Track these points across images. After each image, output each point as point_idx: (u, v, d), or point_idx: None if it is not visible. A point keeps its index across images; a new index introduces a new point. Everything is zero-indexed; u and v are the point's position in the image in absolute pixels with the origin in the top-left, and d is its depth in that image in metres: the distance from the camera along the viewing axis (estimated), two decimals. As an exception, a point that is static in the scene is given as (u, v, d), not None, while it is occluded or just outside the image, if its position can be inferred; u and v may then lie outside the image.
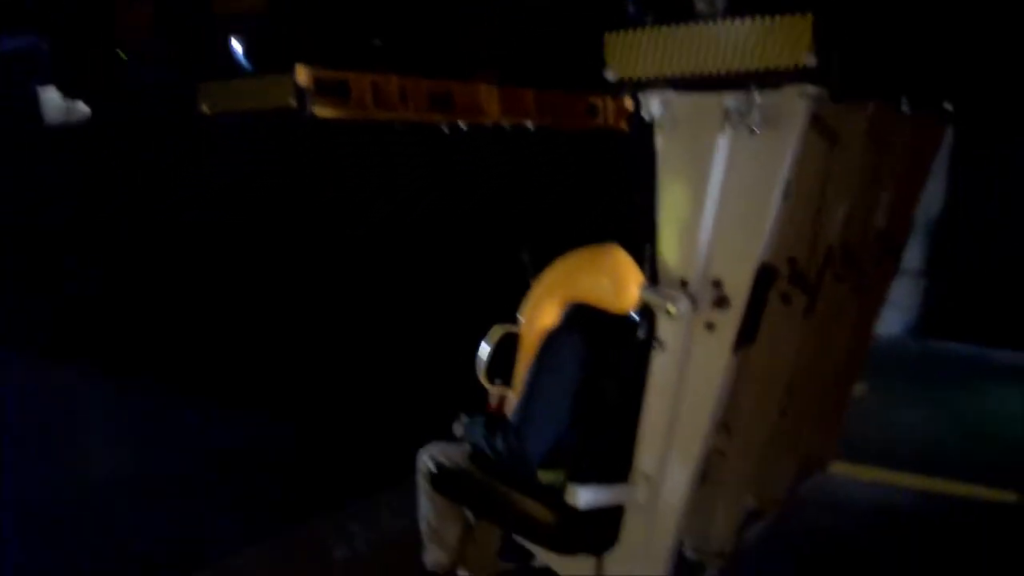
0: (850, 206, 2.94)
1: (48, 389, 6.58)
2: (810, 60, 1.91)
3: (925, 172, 3.51)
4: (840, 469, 4.39)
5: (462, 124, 3.52)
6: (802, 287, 2.82)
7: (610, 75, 2.22)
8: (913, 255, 7.99)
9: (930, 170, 3.54)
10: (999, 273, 7.54)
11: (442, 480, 2.87)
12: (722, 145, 2.14)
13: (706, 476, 3.00)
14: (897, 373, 6.83)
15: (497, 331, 2.82)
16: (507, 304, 2.82)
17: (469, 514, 3.11)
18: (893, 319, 8.08)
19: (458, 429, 2.91)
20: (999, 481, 4.40)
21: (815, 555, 3.72)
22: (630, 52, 2.19)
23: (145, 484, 4.69)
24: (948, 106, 3.05)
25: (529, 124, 3.72)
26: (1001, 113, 7.05)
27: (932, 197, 7.95)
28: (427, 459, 2.96)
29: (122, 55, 3.75)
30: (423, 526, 3.12)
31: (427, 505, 3.06)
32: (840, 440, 4.22)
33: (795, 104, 2.04)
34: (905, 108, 2.91)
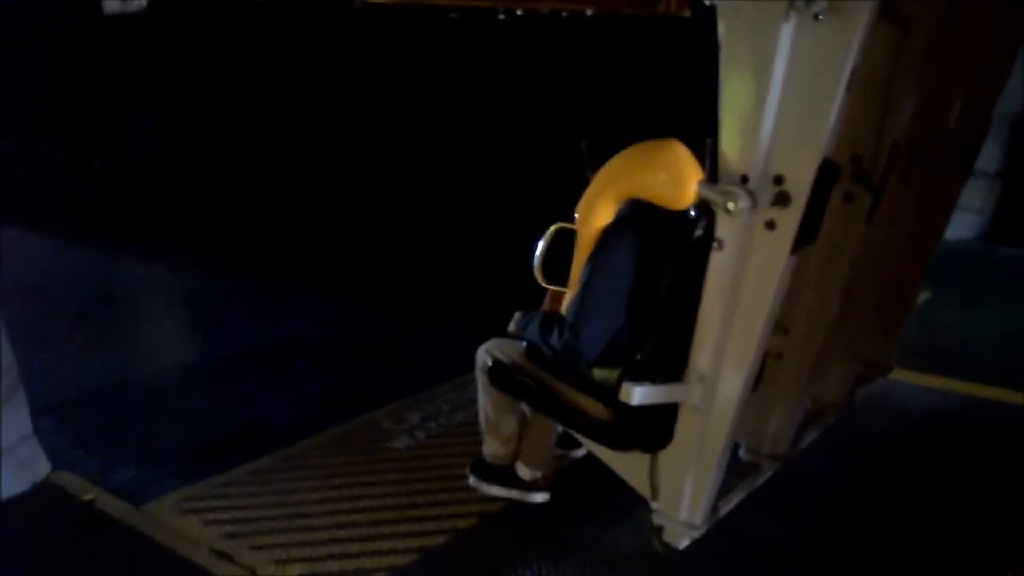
0: (921, 100, 2.81)
1: (115, 271, 6.79)
2: (881, -59, 1.79)
3: (1008, 65, 3.32)
4: (900, 375, 4.35)
5: (518, 10, 3.42)
6: (866, 186, 2.73)
7: (672, -41, 2.12)
8: (989, 155, 7.66)
9: (1012, 64, 3.35)
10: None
11: (498, 374, 2.90)
12: (785, 33, 2.04)
13: (763, 378, 2.99)
14: (965, 279, 6.65)
15: (553, 228, 2.80)
16: (568, 200, 2.79)
17: (526, 408, 3.16)
18: (965, 223, 7.82)
19: (512, 326, 2.92)
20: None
21: (867, 460, 3.70)
22: (693, -66, 2.09)
23: (210, 369, 4.86)
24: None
25: (587, 10, 3.60)
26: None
27: (1013, 92, 7.56)
28: (484, 354, 2.99)
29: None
30: (482, 419, 3.21)
31: (485, 399, 3.12)
32: (901, 346, 4.17)
33: (863, -12, 1.92)
34: (987, -4, 2.75)
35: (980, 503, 3.37)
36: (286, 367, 4.87)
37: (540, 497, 3.21)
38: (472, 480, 3.29)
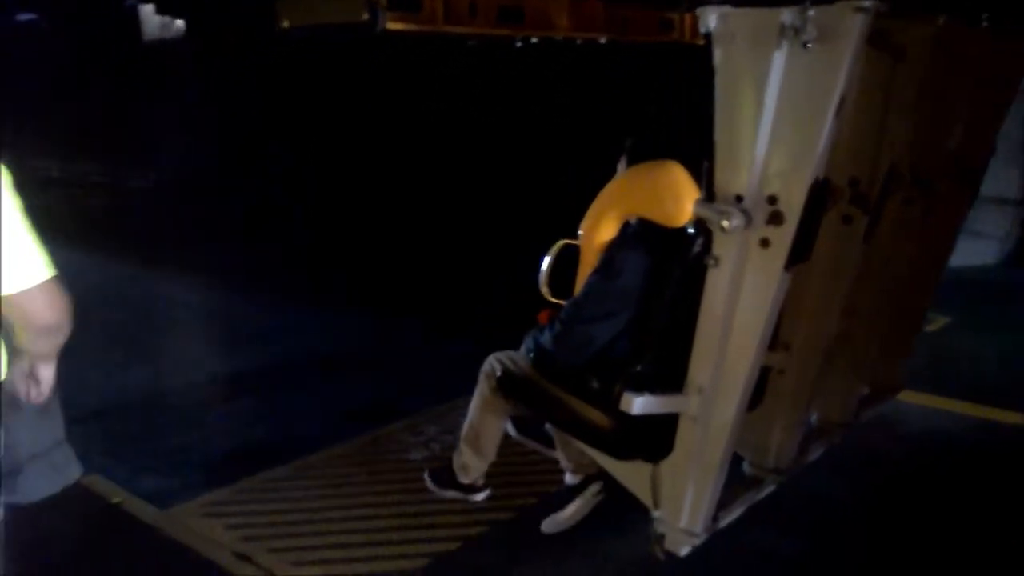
0: (919, 126, 2.90)
1: (148, 285, 6.98)
2: (864, -26, 1.91)
3: (1010, 92, 3.41)
4: (911, 397, 4.39)
5: (533, 38, 3.55)
6: (863, 208, 2.82)
7: (670, -10, 2.25)
8: (1009, 182, 7.67)
9: (1017, 90, 3.42)
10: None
11: (505, 382, 3.01)
12: (777, 60, 2.16)
13: (765, 392, 3.08)
14: (985, 304, 6.65)
15: (558, 244, 2.92)
16: (575, 218, 2.91)
17: (510, 428, 3.27)
18: (985, 249, 7.80)
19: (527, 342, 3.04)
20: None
21: (871, 479, 3.74)
22: (690, -33, 2.22)
23: (236, 381, 5.01)
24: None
25: (600, 38, 3.73)
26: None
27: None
28: (494, 361, 3.10)
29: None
30: (465, 427, 3.26)
31: (477, 405, 3.20)
32: (915, 369, 4.21)
33: (849, 19, 2.04)
34: (985, 22, 2.85)
35: (984, 525, 3.40)
36: (309, 380, 5.01)
37: (480, 496, 3.32)
38: (429, 483, 3.38)
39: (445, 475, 3.34)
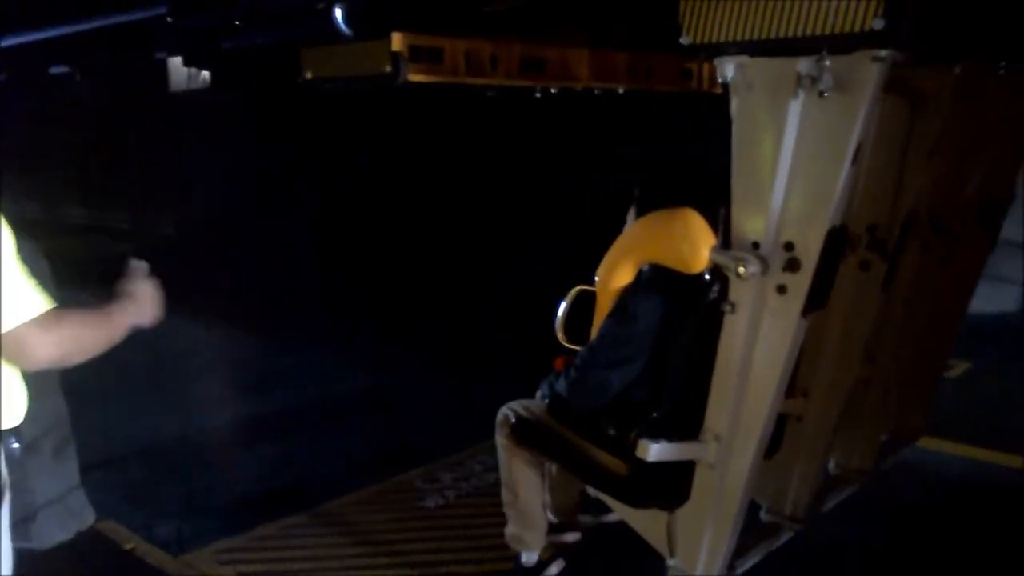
0: (938, 172, 2.90)
1: (164, 332, 6.99)
2: (878, 24, 1.92)
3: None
4: (932, 444, 4.34)
5: (552, 88, 3.60)
6: (881, 254, 2.81)
7: (685, 40, 2.27)
8: (1031, 228, 7.63)
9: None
10: None
11: (521, 429, 2.98)
12: (794, 109, 2.17)
13: (783, 440, 3.05)
14: (1006, 351, 6.58)
15: (575, 291, 2.92)
16: (593, 265, 2.91)
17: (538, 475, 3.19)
18: (1007, 295, 7.75)
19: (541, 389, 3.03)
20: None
21: (891, 525, 3.68)
22: (705, 17, 2.24)
23: (253, 427, 5.01)
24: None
25: (619, 88, 3.77)
26: None
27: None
28: (508, 411, 3.07)
29: (237, 23, 3.96)
30: (503, 494, 3.15)
31: (505, 460, 3.11)
32: (937, 415, 4.17)
33: (865, 68, 2.05)
34: (1002, 69, 2.85)
35: (1007, 572, 3.33)
36: (326, 426, 5.00)
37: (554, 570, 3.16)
38: None
39: (516, 571, 3.17)
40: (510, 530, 3.14)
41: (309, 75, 3.47)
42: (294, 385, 5.73)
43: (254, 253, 8.57)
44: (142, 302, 2.05)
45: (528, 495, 3.09)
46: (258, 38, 3.81)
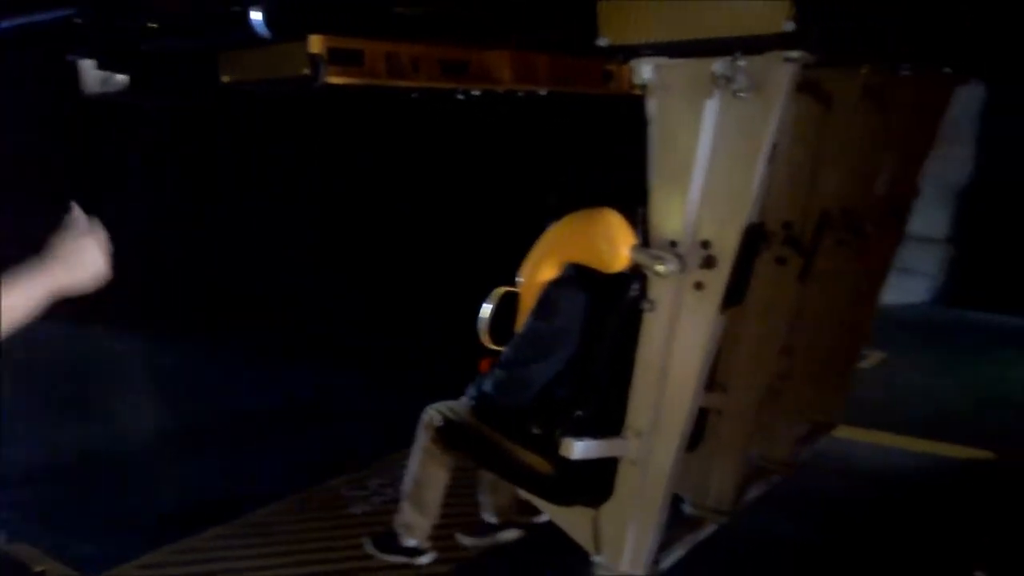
0: (848, 170, 2.99)
1: (84, 343, 6.81)
2: (789, 27, 1.96)
3: (931, 135, 3.53)
4: (851, 433, 4.47)
5: (475, 91, 3.59)
6: (797, 250, 2.89)
7: (603, 41, 2.29)
8: (939, 222, 7.92)
9: (937, 133, 3.56)
10: (1025, 240, 7.47)
11: (446, 432, 2.98)
12: (710, 109, 2.21)
13: (704, 434, 3.11)
14: (918, 341, 6.83)
15: (498, 292, 2.93)
16: (516, 266, 2.92)
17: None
18: (917, 287, 8.04)
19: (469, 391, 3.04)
20: (1002, 441, 4.42)
21: (815, 515, 3.77)
22: (621, 18, 2.26)
23: (175, 439, 4.89)
24: (948, 70, 3.07)
25: (542, 90, 3.78)
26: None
27: (960, 163, 7.87)
28: (433, 412, 3.06)
29: (152, 26, 3.85)
30: (407, 482, 3.19)
31: (418, 458, 3.13)
32: (853, 405, 4.29)
33: (778, 69, 2.10)
34: (905, 71, 2.95)
35: (921, 554, 3.45)
36: (250, 436, 4.91)
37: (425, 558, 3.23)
38: (371, 549, 3.28)
39: (388, 539, 3.26)
40: (401, 518, 3.19)
41: (227, 79, 3.40)
42: (215, 397, 5.61)
43: (178, 262, 8.37)
44: (77, 261, 1.60)
45: (431, 493, 3.13)
46: (174, 41, 3.72)
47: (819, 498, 3.95)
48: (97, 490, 4.16)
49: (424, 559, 3.20)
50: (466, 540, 3.29)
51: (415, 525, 3.16)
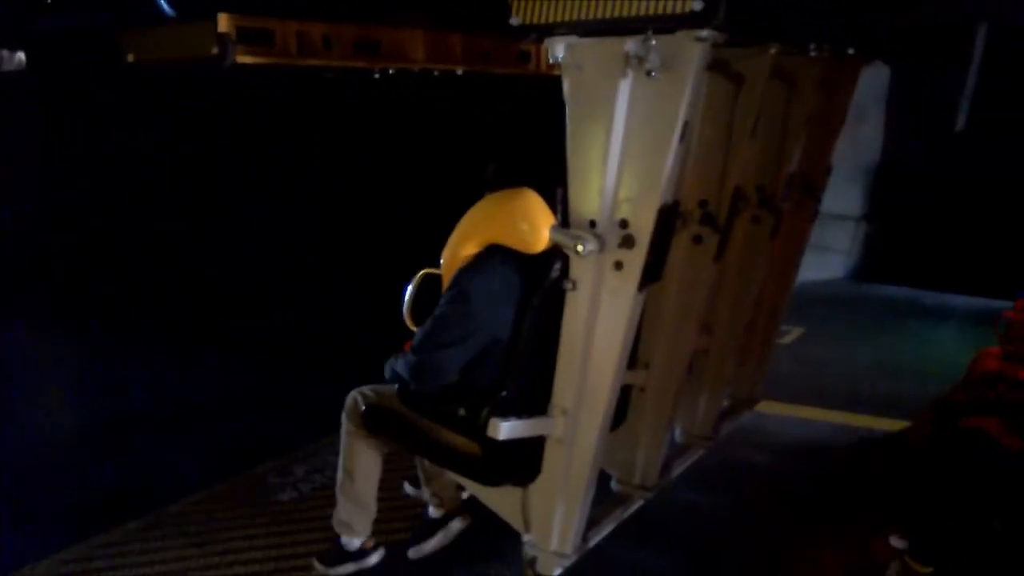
0: (760, 148, 3.05)
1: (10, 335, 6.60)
2: (697, 6, 1.99)
3: (841, 114, 3.62)
4: (771, 407, 4.59)
5: (390, 69, 3.57)
6: (713, 227, 2.93)
7: (515, 20, 2.28)
8: (851, 200, 8.16)
9: (846, 112, 3.65)
10: (936, 217, 7.73)
11: (371, 416, 2.95)
12: (623, 88, 2.22)
13: (628, 411, 3.15)
14: (834, 316, 7.03)
15: (420, 274, 2.91)
16: (438, 248, 2.90)
17: (408, 487, 3.24)
18: (833, 263, 8.28)
19: (386, 372, 3.00)
20: (910, 411, 4.60)
21: (737, 487, 3.88)
22: (534, -2, 2.26)
23: (94, 430, 4.77)
24: (852, 50, 3.14)
25: (458, 70, 3.78)
26: (937, 55, 7.22)
27: (871, 142, 8.11)
28: (357, 396, 3.03)
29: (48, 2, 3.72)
30: (338, 476, 3.12)
31: (347, 446, 3.08)
32: (772, 380, 4.40)
33: (689, 48, 2.12)
34: (812, 51, 3.02)
35: (841, 520, 3.56)
36: (171, 426, 4.81)
37: (374, 558, 3.16)
38: (319, 568, 3.13)
39: (332, 553, 3.15)
40: (339, 515, 3.12)
41: (131, 58, 3.30)
42: (135, 388, 5.48)
43: (86, 248, 8.13)
44: None
45: (364, 482, 3.08)
46: (73, 18, 3.60)
47: (741, 471, 4.06)
48: (15, 484, 4.05)
49: (373, 559, 3.13)
50: (412, 552, 3.21)
51: (353, 521, 3.10)
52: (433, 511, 3.25)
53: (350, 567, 3.12)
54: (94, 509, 3.74)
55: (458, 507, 3.25)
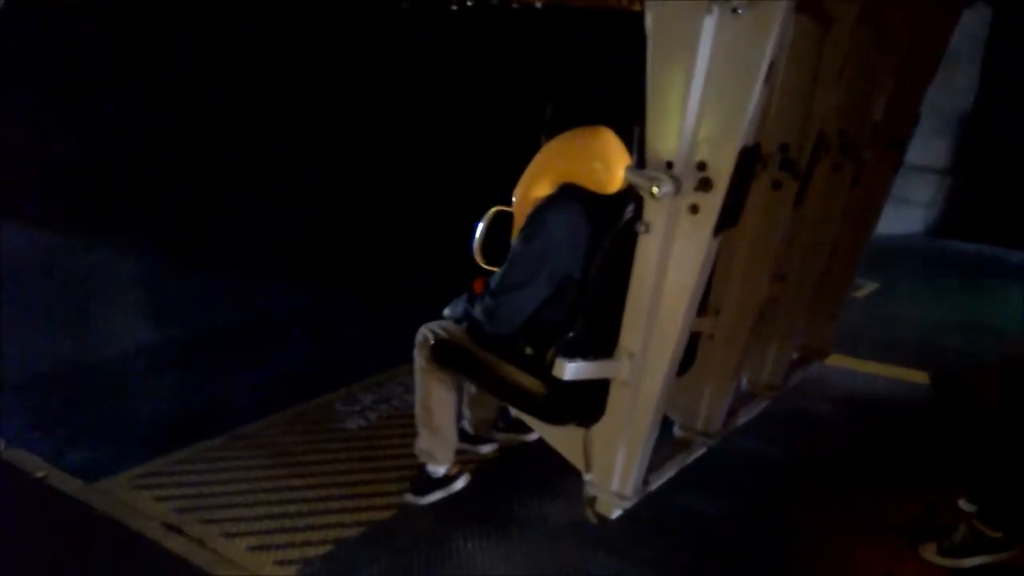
0: (846, 93, 2.95)
1: (77, 253, 6.82)
2: (792, -60, 1.91)
3: (933, 61, 3.48)
4: (841, 361, 4.51)
5: (469, 1, 3.52)
6: (793, 174, 2.86)
7: (600, -45, 2.23)
8: (939, 152, 7.87)
9: (939, 58, 3.50)
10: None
11: (440, 350, 2.99)
12: (707, 26, 2.15)
13: (695, 357, 3.13)
14: (912, 271, 6.85)
15: (492, 211, 2.90)
16: (512, 184, 2.89)
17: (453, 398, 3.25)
18: (913, 217, 8.02)
19: (448, 310, 3.04)
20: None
21: (802, 439, 3.84)
22: (621, -69, 2.20)
23: (171, 350, 4.94)
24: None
25: (537, 3, 3.71)
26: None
27: (963, 91, 7.78)
28: (427, 331, 3.07)
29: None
30: (417, 408, 3.19)
31: (421, 380, 3.14)
32: (844, 333, 4.32)
33: (777, -15, 2.04)
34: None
35: (905, 477, 3.51)
36: (245, 348, 4.96)
37: (460, 483, 3.26)
38: (410, 499, 3.24)
39: (420, 481, 3.24)
40: (421, 444, 3.20)
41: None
42: (210, 309, 5.65)
43: (161, 173, 8.33)
44: None
45: (442, 414, 3.14)
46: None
47: (807, 423, 4.01)
48: (90, 399, 4.21)
49: (459, 483, 3.24)
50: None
51: (435, 451, 3.19)
52: (468, 428, 3.46)
53: (439, 494, 3.22)
54: (171, 427, 3.89)
55: (491, 436, 3.46)
